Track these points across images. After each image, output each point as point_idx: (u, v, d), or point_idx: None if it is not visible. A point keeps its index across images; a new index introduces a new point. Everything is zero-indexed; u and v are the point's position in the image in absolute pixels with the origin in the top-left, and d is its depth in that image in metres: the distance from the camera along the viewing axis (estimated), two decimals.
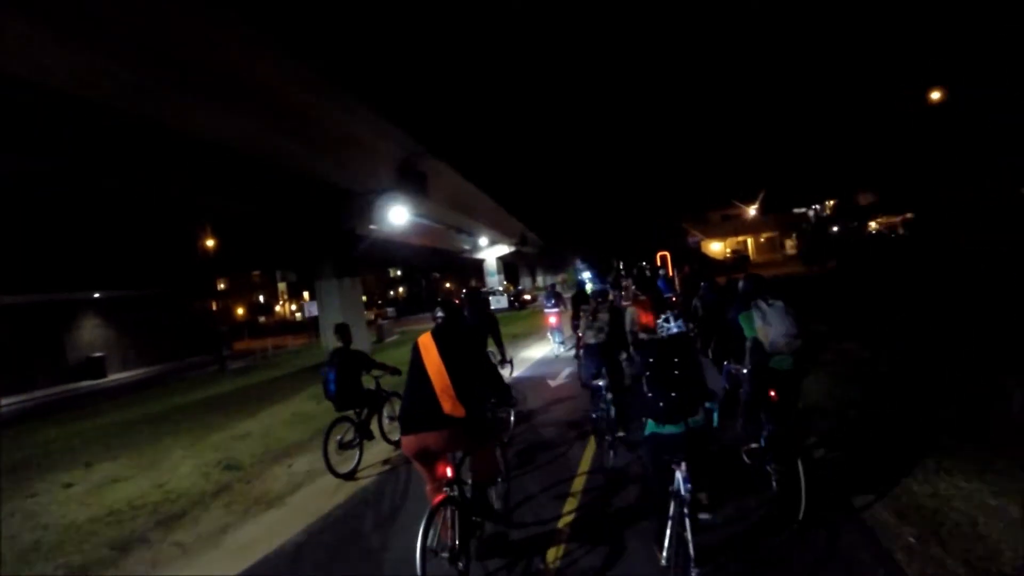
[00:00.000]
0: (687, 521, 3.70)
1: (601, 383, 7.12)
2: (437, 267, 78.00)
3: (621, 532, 5.10)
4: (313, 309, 29.52)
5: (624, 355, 7.58)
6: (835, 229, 58.36)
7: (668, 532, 4.00)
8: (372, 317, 53.43)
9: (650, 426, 4.12)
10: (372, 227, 25.13)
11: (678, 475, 3.91)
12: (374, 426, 8.51)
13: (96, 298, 33.52)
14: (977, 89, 34.07)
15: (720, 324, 7.68)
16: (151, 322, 36.10)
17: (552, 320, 16.82)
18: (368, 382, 8.36)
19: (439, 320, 4.88)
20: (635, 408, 4.57)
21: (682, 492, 3.82)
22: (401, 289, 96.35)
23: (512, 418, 8.59)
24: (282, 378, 19.22)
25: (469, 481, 4.84)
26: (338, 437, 7.69)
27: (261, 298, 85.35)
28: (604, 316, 7.45)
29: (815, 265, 33.97)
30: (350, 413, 7.92)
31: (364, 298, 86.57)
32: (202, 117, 13.59)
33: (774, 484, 5.18)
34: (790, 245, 67.85)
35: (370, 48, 16.45)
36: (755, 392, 5.47)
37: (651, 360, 4.15)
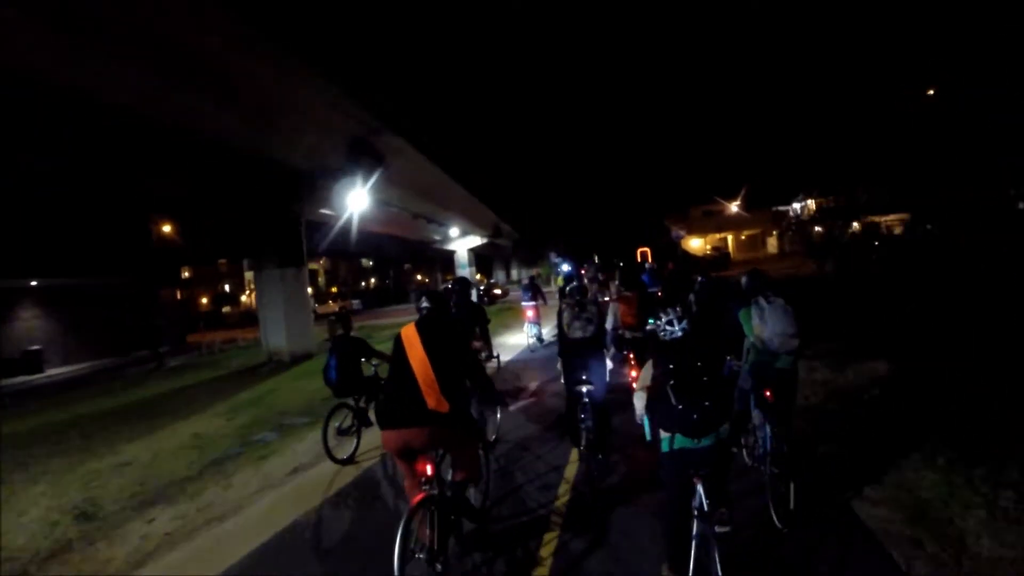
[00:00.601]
0: (713, 539, 3.58)
1: (584, 389, 6.31)
2: (408, 258, 75.77)
3: (614, 537, 4.98)
4: None
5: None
6: (818, 229, 57.87)
7: (693, 553, 3.69)
8: (336, 309, 51.32)
9: (678, 440, 3.83)
10: (327, 212, 22.89)
11: (700, 490, 3.76)
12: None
13: (36, 286, 30.97)
14: (976, 89, 33.22)
15: (715, 321, 7.57)
16: (98, 312, 33.28)
17: (530, 314, 16.37)
18: (367, 370, 8.19)
19: (423, 311, 4.72)
20: (658, 421, 4.01)
21: (704, 508, 3.70)
22: (373, 280, 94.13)
23: (499, 416, 8.14)
24: (212, 381, 17.29)
25: (450, 479, 4.75)
26: (336, 424, 7.83)
27: (227, 287, 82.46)
28: (592, 308, 6.69)
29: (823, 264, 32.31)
30: (349, 400, 7.96)
31: (335, 289, 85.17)
32: (113, 76, 11.53)
33: (768, 483, 5.05)
34: (772, 243, 67.37)
35: (318, 2, 14.08)
36: (751, 390, 5.50)
37: (672, 367, 3.88)
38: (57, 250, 29.10)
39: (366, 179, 19.02)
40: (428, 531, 4.16)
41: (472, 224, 44.82)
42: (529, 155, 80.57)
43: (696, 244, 68.94)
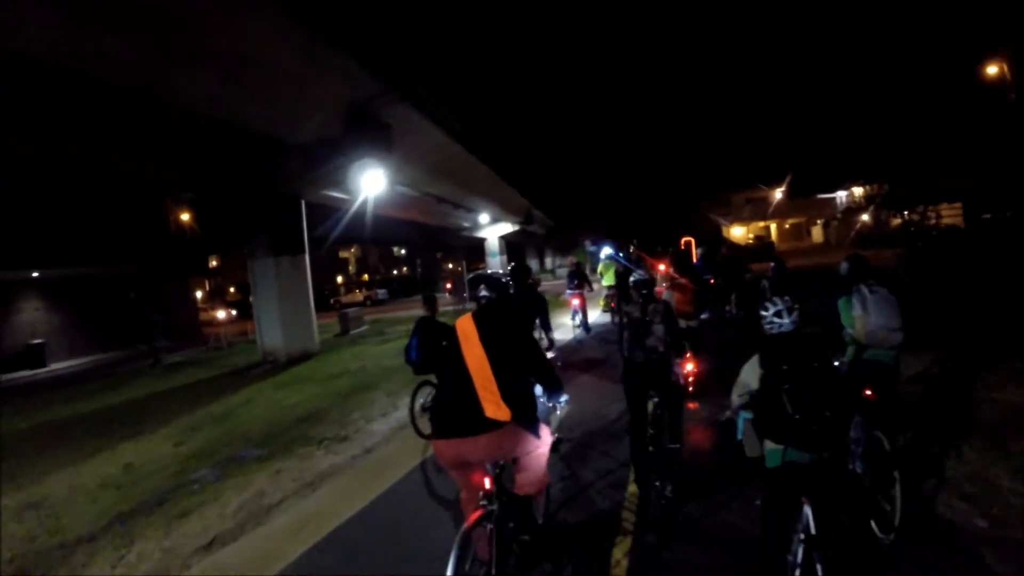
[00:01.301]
0: (818, 567, 3.09)
1: (651, 407, 5.48)
2: (438, 246, 73.56)
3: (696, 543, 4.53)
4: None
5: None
6: (865, 218, 55.16)
7: None
8: (361, 299, 49.51)
9: (790, 454, 3.33)
10: (336, 195, 20.68)
11: (807, 511, 3.22)
12: None
13: (39, 277, 29.36)
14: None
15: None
16: (105, 304, 31.64)
17: (575, 302, 15.38)
18: None
19: (482, 300, 4.05)
20: (765, 430, 3.47)
21: (812, 531, 3.16)
22: (405, 269, 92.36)
23: (559, 413, 7.34)
24: (195, 385, 15.26)
25: (512, 490, 4.00)
26: (421, 400, 7.98)
27: None
28: (659, 328, 5.52)
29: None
30: (431, 377, 7.89)
31: (365, 277, 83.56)
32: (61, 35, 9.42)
33: (867, 487, 4.47)
34: (816, 232, 64.42)
35: None
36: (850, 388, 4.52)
37: (785, 368, 3.41)
38: (62, 239, 27.30)
39: (372, 155, 16.58)
40: (487, 550, 3.63)
41: (502, 210, 42.28)
42: (562, 139, 77.19)
43: (738, 232, 66.03)
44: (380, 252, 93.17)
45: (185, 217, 40.40)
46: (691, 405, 7.74)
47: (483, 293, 4.05)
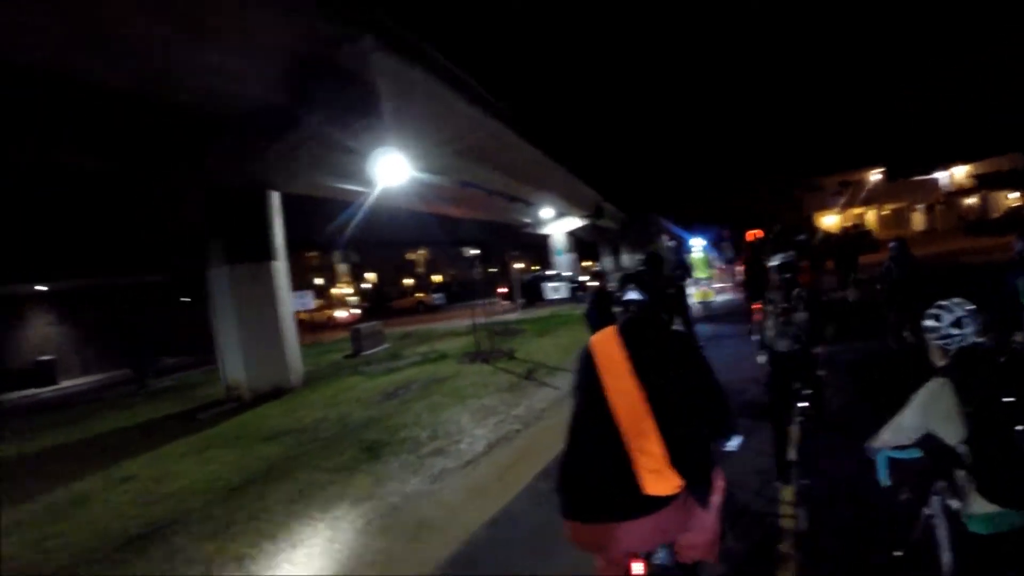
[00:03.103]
0: None
1: (800, 406, 5.13)
2: (509, 247, 69.94)
3: None
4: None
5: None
6: (971, 201, 51.51)
7: None
8: (414, 304, 46.73)
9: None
10: (339, 185, 16.94)
11: None
12: None
13: (49, 290, 27.55)
14: None
15: (917, 292, 7.33)
16: (127, 316, 29.07)
17: None
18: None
19: (631, 308, 2.76)
20: (989, 491, 2.45)
21: None
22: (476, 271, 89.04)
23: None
24: (131, 431, 11.81)
25: (671, 559, 2.82)
26: None
27: (319, 282, 78.43)
28: (802, 315, 5.11)
29: None
30: None
31: (437, 277, 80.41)
32: None
33: None
34: (917, 219, 57.96)
35: None
36: None
37: (1013, 400, 2.44)
38: (76, 248, 24.93)
39: (346, 125, 12.08)
40: None
41: (566, 203, 37.92)
42: (637, 124, 71.87)
43: (830, 221, 59.91)
44: (451, 253, 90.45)
45: None
46: None
47: (630, 296, 2.73)
